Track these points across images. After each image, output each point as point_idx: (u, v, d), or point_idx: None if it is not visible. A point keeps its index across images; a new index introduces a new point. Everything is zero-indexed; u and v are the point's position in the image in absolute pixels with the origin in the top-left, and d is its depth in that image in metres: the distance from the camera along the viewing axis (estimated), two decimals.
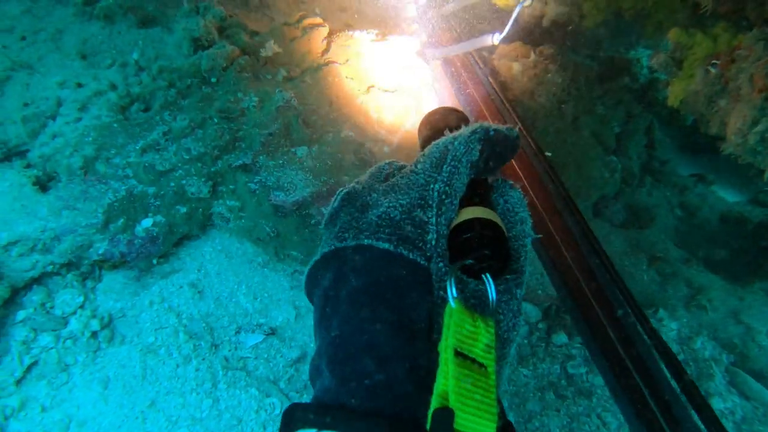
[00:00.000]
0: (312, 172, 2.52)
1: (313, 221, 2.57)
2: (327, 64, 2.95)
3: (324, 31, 3.19)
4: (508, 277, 0.77)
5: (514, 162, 2.63)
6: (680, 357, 3.22)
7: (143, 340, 2.33)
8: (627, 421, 1.93)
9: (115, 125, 2.47)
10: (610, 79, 4.53)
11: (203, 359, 2.36)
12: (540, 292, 3.33)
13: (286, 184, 2.46)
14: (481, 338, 0.67)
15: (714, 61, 2.99)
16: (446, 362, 0.62)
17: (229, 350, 2.43)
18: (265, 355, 2.48)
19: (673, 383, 1.90)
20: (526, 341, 2.98)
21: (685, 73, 3.41)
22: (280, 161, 2.52)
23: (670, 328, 3.31)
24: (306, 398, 2.42)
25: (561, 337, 3.00)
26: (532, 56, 4.23)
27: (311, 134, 2.64)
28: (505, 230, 0.81)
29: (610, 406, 2.70)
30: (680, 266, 3.69)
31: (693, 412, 1.84)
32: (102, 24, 3.33)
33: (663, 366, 1.98)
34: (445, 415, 0.58)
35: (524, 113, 3.89)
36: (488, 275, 0.71)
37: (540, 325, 3.05)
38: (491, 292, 0.70)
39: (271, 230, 2.51)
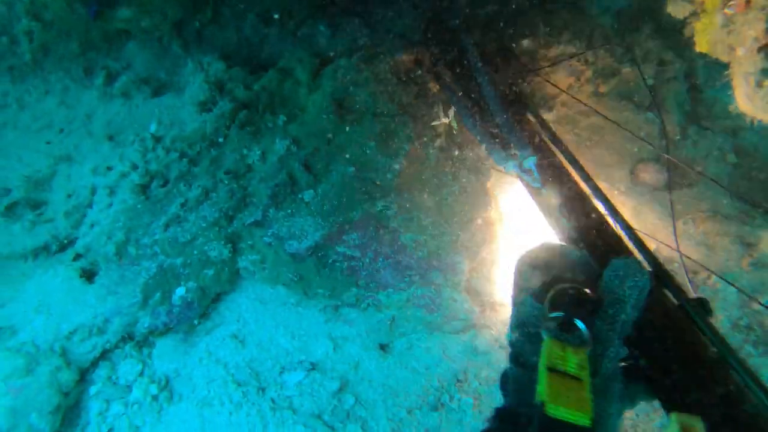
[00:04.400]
0: (320, 215, 2.64)
1: (330, 260, 2.70)
2: None
3: None
4: (606, 326, 1.21)
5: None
6: (743, 322, 3.04)
7: (198, 395, 2.59)
8: None
9: (139, 206, 2.73)
10: (632, 30, 4.22)
11: (252, 404, 2.59)
12: None
13: (297, 232, 2.61)
14: (570, 360, 1.06)
15: (731, 3, 2.75)
16: (540, 374, 1.03)
17: (275, 391, 2.64)
18: (309, 390, 2.67)
19: None
20: None
21: (707, 16, 3.15)
22: (289, 210, 2.66)
23: (728, 293, 3.12)
24: (350, 427, 2.60)
25: None
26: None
27: (314, 176, 2.75)
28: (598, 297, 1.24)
29: None
30: (733, 223, 3.42)
31: None
32: (122, 101, 3.64)
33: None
34: (539, 405, 0.99)
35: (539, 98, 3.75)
36: (579, 321, 1.15)
37: None
38: (583, 330, 1.14)
39: (294, 275, 2.68)
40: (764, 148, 4.07)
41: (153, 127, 3.35)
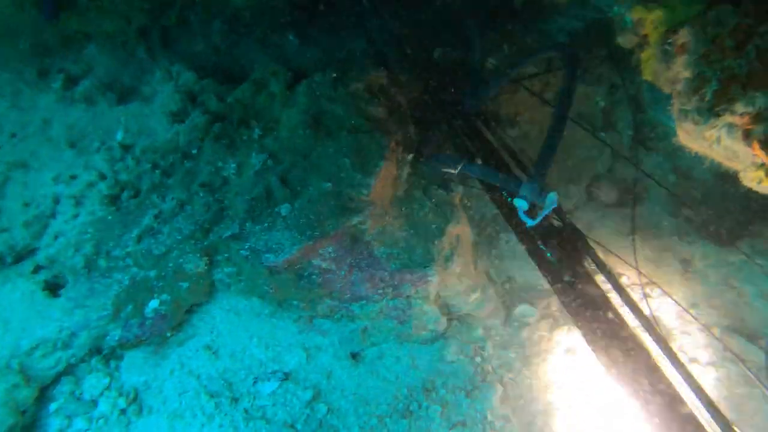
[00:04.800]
0: (297, 228, 2.68)
1: (306, 273, 2.75)
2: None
3: None
4: None
5: None
6: (678, 330, 3.33)
7: (169, 407, 2.56)
8: None
9: (110, 218, 2.68)
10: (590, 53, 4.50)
11: (225, 415, 2.59)
12: None
13: (274, 246, 2.64)
14: None
15: (669, 40, 3.01)
16: None
17: (249, 401, 2.65)
18: (282, 400, 2.70)
19: None
20: None
21: (650, 49, 3.42)
22: (266, 224, 2.69)
23: (668, 304, 3.41)
24: None
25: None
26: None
27: (291, 191, 2.79)
28: None
29: None
30: (673, 240, 3.75)
31: None
32: (84, 106, 3.52)
33: None
34: None
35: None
36: None
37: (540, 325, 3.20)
38: None
39: (270, 287, 2.71)
40: (698, 170, 4.46)
41: (119, 136, 3.28)
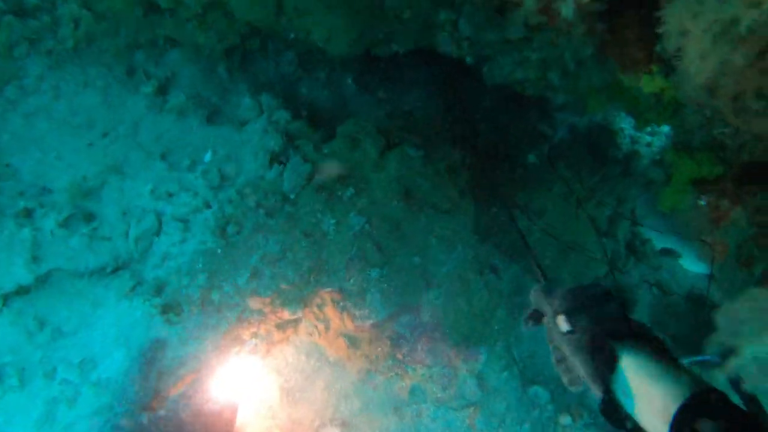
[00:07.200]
0: (386, 294, 2.98)
1: (384, 335, 3.04)
2: None
3: None
4: None
5: None
6: None
7: None
8: None
9: (219, 251, 2.83)
10: (603, 164, 5.15)
11: None
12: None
13: (366, 307, 2.92)
14: None
15: (702, 196, 3.62)
16: None
17: None
18: None
19: None
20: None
21: (673, 188, 4.04)
22: (362, 285, 2.96)
23: None
24: None
25: (567, 419, 3.64)
26: None
27: (382, 257, 3.08)
28: None
29: None
30: None
31: None
32: (174, 118, 3.61)
33: None
34: None
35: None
36: None
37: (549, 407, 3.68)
38: None
39: (350, 342, 2.97)
40: (673, 288, 5.19)
41: (208, 157, 3.41)
